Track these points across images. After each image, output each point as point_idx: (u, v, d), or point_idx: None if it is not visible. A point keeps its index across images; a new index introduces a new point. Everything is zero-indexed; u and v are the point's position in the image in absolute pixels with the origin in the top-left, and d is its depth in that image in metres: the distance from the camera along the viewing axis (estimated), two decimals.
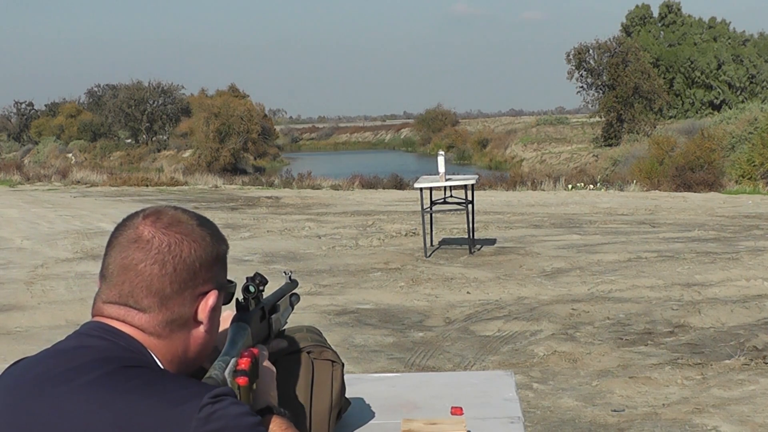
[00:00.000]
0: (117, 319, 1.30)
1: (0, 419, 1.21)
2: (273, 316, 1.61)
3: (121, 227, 1.34)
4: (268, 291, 1.60)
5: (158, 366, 1.28)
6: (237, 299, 1.50)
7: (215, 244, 1.36)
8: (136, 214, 1.35)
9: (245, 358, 1.36)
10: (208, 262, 1.33)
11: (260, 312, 1.55)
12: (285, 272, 1.79)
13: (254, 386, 1.37)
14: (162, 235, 1.30)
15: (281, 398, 1.49)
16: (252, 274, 1.54)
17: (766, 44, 51.60)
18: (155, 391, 1.17)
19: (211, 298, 1.33)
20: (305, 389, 1.69)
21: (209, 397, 1.17)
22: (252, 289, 1.51)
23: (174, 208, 1.37)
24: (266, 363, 1.46)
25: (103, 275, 1.34)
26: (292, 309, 1.73)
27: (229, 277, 1.42)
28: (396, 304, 7.88)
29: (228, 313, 1.56)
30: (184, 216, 1.35)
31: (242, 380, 1.33)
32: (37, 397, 1.19)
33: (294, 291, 1.76)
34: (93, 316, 1.33)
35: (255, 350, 1.41)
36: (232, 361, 1.36)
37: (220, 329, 1.57)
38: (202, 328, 1.34)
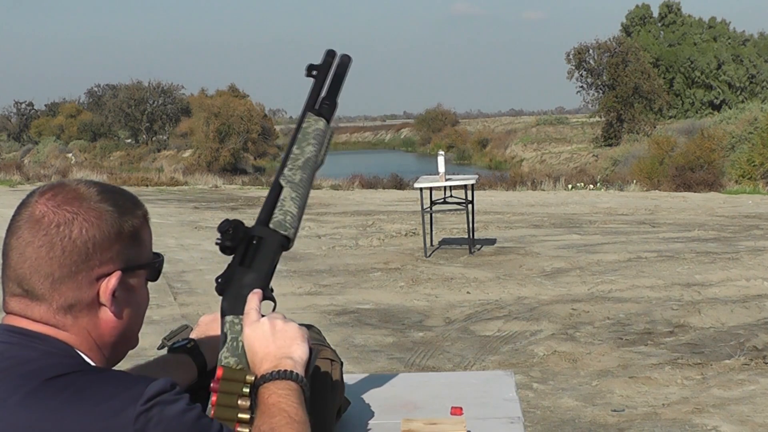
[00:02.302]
0: (22, 316, 1.21)
1: None
2: (273, 221, 1.43)
3: (20, 205, 1.25)
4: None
5: (84, 363, 1.20)
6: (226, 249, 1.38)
7: (117, 221, 1.23)
8: (37, 189, 1.26)
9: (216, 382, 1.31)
10: (106, 242, 1.22)
11: (243, 249, 1.40)
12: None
13: (249, 379, 1.31)
14: (53, 213, 1.20)
15: None
16: (222, 222, 1.39)
17: (766, 44, 51.62)
18: (86, 404, 1.10)
19: (112, 280, 1.22)
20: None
21: (142, 404, 1.10)
22: (228, 243, 1.37)
23: (78, 182, 1.27)
24: (257, 326, 1.35)
25: (2, 260, 1.24)
26: (326, 132, 1.48)
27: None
28: (396, 304, 7.88)
29: (214, 316, 1.51)
30: (86, 189, 1.24)
31: (213, 399, 1.29)
32: None
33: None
34: (5, 312, 1.25)
35: (219, 371, 1.32)
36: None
37: (210, 335, 1.52)
38: (109, 312, 1.23)
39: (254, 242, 1.41)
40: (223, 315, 1.39)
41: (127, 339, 1.29)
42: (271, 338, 1.34)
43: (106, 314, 1.24)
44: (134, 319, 1.29)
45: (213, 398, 1.30)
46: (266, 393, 1.28)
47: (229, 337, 1.37)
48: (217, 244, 1.38)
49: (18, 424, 1.10)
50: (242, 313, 1.37)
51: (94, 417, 1.09)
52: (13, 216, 1.25)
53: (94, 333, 1.23)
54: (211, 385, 1.32)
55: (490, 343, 6.49)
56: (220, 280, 1.39)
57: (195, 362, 1.51)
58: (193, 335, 1.58)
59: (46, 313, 1.21)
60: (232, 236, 1.38)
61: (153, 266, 1.30)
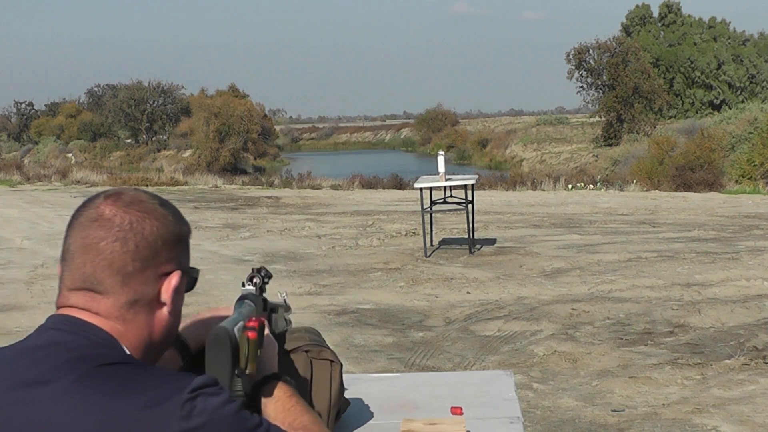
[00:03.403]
0: (81, 308, 1.28)
1: None
2: (273, 315, 1.61)
3: (81, 208, 1.33)
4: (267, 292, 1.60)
5: (129, 356, 1.26)
6: (243, 283, 1.53)
7: (177, 225, 1.34)
8: (98, 195, 1.34)
9: (254, 321, 1.37)
10: (170, 241, 1.32)
11: (263, 303, 1.55)
12: (280, 293, 1.78)
13: (259, 352, 1.37)
14: (123, 213, 1.29)
15: None
16: (258, 267, 1.55)
17: (766, 44, 51.64)
18: (135, 391, 1.16)
19: (174, 278, 1.32)
20: (304, 389, 1.69)
21: (188, 392, 1.16)
22: (256, 280, 1.52)
23: (135, 189, 1.37)
24: (268, 334, 1.47)
25: (63, 258, 1.32)
26: (286, 324, 1.73)
27: (223, 275, 1.42)
28: (396, 304, 7.88)
29: (227, 309, 1.56)
30: (146, 196, 1.34)
31: (252, 334, 1.33)
32: (12, 402, 1.17)
33: (287, 316, 1.75)
34: (58, 306, 1.31)
35: (263, 318, 1.41)
36: (242, 321, 1.37)
37: (193, 320, 1.58)
38: (165, 310, 1.32)
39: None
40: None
41: (167, 342, 1.37)
42: (275, 356, 1.48)
43: (162, 313, 1.32)
44: (177, 323, 1.37)
45: (253, 333, 1.35)
46: (289, 390, 1.39)
47: (244, 312, 1.46)
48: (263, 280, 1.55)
49: (67, 406, 1.15)
50: (259, 315, 1.49)
51: (141, 403, 1.15)
52: (75, 218, 1.32)
53: (147, 330, 1.31)
54: (252, 322, 1.37)
55: (490, 343, 6.49)
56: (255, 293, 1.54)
57: (179, 351, 1.55)
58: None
59: (111, 307, 1.28)
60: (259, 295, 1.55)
61: (193, 274, 1.40)
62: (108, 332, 1.26)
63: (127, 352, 1.27)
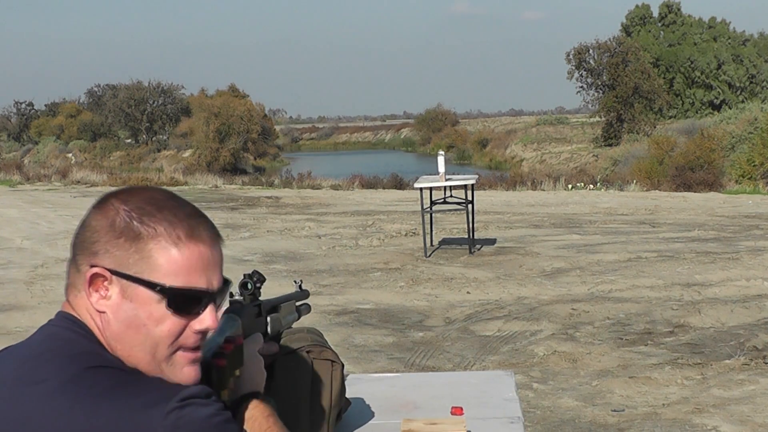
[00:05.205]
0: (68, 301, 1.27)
1: None
2: (271, 315, 1.59)
3: None
4: (267, 292, 1.60)
5: (120, 361, 1.22)
6: (231, 293, 1.47)
7: (136, 224, 1.22)
8: None
9: (229, 344, 1.36)
10: (112, 235, 1.21)
11: (256, 309, 1.53)
12: (296, 281, 1.77)
13: (237, 372, 1.36)
14: (103, 202, 1.26)
15: (282, 397, 1.49)
16: (249, 272, 1.53)
17: (766, 44, 51.63)
18: (121, 396, 1.13)
19: (89, 273, 1.21)
20: (305, 389, 1.69)
21: (176, 401, 1.13)
22: (249, 285, 1.51)
23: (157, 189, 1.30)
24: (252, 352, 1.44)
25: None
26: (299, 317, 1.71)
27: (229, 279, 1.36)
28: (396, 304, 7.88)
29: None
30: (146, 192, 1.26)
31: (221, 362, 1.32)
32: (8, 398, 1.17)
33: (305, 301, 1.74)
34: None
35: (240, 339, 1.39)
36: (216, 345, 1.35)
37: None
38: (108, 314, 1.22)
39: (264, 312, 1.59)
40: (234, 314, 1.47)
41: (130, 351, 1.23)
42: (262, 376, 1.44)
43: (103, 316, 1.24)
44: (133, 335, 1.23)
45: (222, 361, 1.34)
46: (266, 410, 1.35)
47: (225, 331, 1.43)
48: (256, 286, 1.53)
49: (55, 408, 1.13)
50: (242, 336, 1.44)
51: (127, 408, 1.12)
52: None
53: (96, 328, 1.24)
54: (227, 345, 1.36)
55: (490, 343, 6.49)
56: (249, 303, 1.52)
57: None
58: None
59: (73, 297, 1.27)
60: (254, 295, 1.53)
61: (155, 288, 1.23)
62: (93, 333, 1.24)
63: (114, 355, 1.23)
